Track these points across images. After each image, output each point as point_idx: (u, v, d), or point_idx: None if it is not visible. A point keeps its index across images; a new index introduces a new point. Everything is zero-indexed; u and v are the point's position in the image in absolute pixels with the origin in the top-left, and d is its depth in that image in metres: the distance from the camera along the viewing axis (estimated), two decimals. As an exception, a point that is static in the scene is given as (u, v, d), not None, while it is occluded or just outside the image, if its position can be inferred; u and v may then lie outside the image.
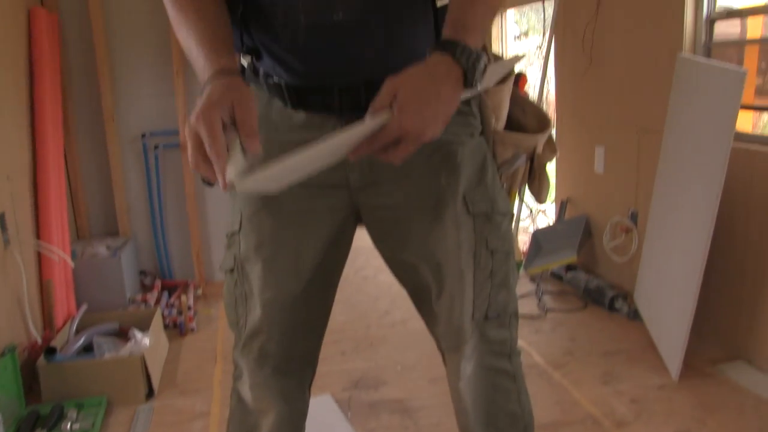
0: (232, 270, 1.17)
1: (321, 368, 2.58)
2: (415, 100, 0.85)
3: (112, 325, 2.53)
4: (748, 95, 2.58)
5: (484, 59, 0.90)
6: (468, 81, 0.89)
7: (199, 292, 3.25)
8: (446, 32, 0.91)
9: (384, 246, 1.18)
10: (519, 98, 1.26)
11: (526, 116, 1.26)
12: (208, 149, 0.83)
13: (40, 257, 2.53)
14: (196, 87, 3.16)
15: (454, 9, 0.94)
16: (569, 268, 3.25)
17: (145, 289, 3.19)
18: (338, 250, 1.19)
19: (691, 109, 2.41)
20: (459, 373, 1.19)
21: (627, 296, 2.90)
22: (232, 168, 0.83)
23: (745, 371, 2.27)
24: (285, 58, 1.03)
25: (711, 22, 2.51)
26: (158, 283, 3.16)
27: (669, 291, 2.42)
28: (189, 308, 2.87)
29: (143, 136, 3.16)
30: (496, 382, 1.19)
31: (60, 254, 2.57)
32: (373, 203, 1.12)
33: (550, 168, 3.44)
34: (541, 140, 1.27)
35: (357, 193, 1.11)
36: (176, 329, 2.84)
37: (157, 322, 2.56)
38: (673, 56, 2.54)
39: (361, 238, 3.32)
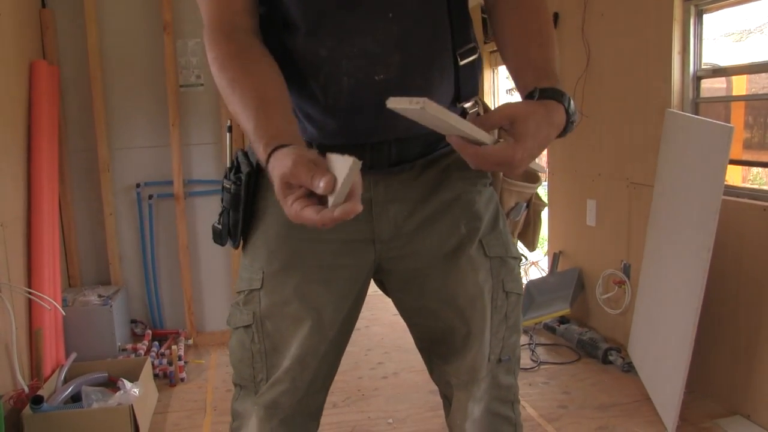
0: (248, 326, 1.14)
1: (312, 421, 2.53)
2: (533, 137, 0.88)
3: (101, 374, 2.49)
4: (736, 150, 2.64)
5: (576, 116, 0.96)
6: (565, 132, 0.95)
7: (190, 342, 3.22)
8: (544, 81, 0.94)
9: (403, 296, 1.19)
10: None
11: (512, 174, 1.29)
12: (317, 183, 0.77)
13: (30, 305, 2.51)
14: (191, 138, 3.20)
15: (534, 56, 0.99)
16: (562, 320, 3.24)
17: (136, 338, 3.15)
18: (357, 304, 1.19)
19: (680, 163, 2.45)
20: (466, 412, 1.18)
21: (621, 349, 2.88)
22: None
23: (743, 427, 2.25)
24: (319, 118, 1.06)
25: (698, 79, 2.58)
26: (149, 333, 3.13)
27: (663, 344, 2.41)
28: (179, 358, 2.84)
29: (137, 185, 3.18)
30: (500, 429, 1.19)
31: (51, 302, 2.55)
32: (395, 255, 1.14)
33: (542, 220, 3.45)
34: (536, 191, 1.31)
35: (381, 247, 1.12)
36: (166, 379, 2.80)
37: (146, 371, 2.53)
38: (662, 112, 2.60)
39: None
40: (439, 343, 1.20)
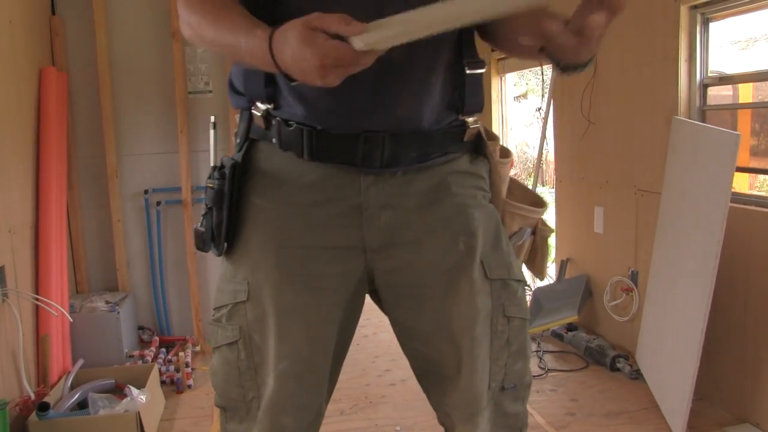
0: (233, 342, 1.08)
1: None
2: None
3: (108, 381, 2.50)
4: (743, 157, 2.63)
5: None
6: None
7: (197, 348, 3.22)
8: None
9: (397, 314, 1.14)
10: (511, 181, 1.26)
11: (512, 196, 1.25)
12: (320, 56, 0.79)
13: (37, 311, 2.52)
14: (199, 144, 3.21)
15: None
16: (570, 327, 3.23)
17: (143, 344, 3.16)
18: (351, 315, 1.14)
19: (687, 170, 2.45)
20: None
21: (629, 356, 2.87)
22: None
23: (751, 434, 2.24)
24: (312, 95, 1.01)
25: (704, 86, 2.58)
26: (156, 339, 3.13)
27: (671, 351, 2.40)
28: (187, 365, 2.84)
29: (146, 192, 3.19)
30: None
31: (58, 309, 2.56)
32: (389, 267, 1.09)
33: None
34: (542, 216, 1.27)
35: (372, 256, 1.08)
36: (173, 386, 2.80)
37: (154, 378, 2.53)
38: (669, 119, 2.60)
39: (362, 294, 3.17)
40: (432, 372, 1.15)
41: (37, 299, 2.48)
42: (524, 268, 1.30)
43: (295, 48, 0.81)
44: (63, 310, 2.60)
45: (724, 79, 2.61)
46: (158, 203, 3.20)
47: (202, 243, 1.10)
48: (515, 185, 1.26)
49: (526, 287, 1.16)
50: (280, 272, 1.05)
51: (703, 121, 2.57)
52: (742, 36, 3.03)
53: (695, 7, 2.50)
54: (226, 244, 1.08)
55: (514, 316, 1.10)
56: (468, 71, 1.07)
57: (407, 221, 1.07)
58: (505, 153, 1.19)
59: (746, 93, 2.93)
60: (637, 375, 2.72)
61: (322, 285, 1.07)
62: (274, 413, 1.08)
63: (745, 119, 2.86)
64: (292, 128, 1.03)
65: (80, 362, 2.59)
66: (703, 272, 2.16)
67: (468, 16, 0.86)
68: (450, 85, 1.06)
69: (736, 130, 2.40)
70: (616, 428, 2.34)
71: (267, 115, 1.05)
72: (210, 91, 3.19)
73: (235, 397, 1.10)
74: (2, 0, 2.42)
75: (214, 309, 1.11)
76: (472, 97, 1.08)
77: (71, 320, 2.68)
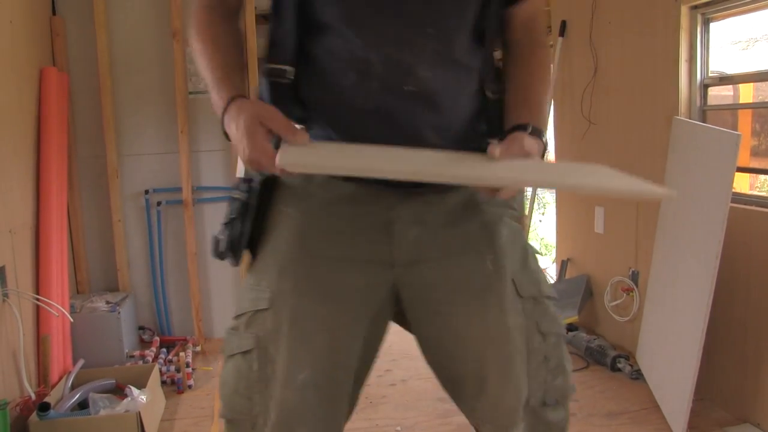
0: (248, 351, 1.05)
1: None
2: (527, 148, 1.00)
3: (108, 381, 2.49)
4: (743, 157, 2.63)
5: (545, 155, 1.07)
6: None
7: (198, 349, 3.22)
8: (530, 117, 1.05)
9: (423, 331, 1.13)
10: None
11: None
12: (250, 151, 0.93)
13: (38, 311, 2.52)
14: (200, 145, 3.21)
15: (534, 97, 1.09)
16: (570, 327, 3.23)
17: (144, 345, 3.15)
18: (373, 335, 1.11)
19: (688, 170, 2.45)
20: None
21: (629, 356, 2.87)
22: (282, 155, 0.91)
23: (752, 435, 2.24)
24: (347, 121, 1.06)
25: (705, 87, 2.58)
26: (157, 340, 3.13)
27: (671, 351, 2.40)
28: (187, 365, 2.84)
29: (146, 192, 3.19)
30: None
31: (59, 309, 2.56)
32: (417, 283, 1.09)
33: (550, 228, 3.46)
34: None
35: (400, 272, 1.08)
36: (174, 386, 2.80)
37: (154, 378, 2.53)
38: (670, 119, 2.60)
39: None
40: (459, 387, 1.15)
41: (37, 299, 2.48)
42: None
43: (237, 131, 0.95)
44: (63, 310, 2.60)
45: (724, 80, 2.61)
46: (159, 203, 3.20)
47: (220, 252, 1.10)
48: None
49: (555, 303, 1.17)
50: (305, 281, 1.05)
51: (703, 122, 2.57)
52: (742, 36, 3.03)
53: (696, 7, 2.51)
54: (243, 256, 1.09)
55: (549, 332, 1.11)
56: (491, 97, 1.12)
57: (436, 238, 1.08)
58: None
59: (747, 93, 2.93)
60: (637, 375, 2.72)
61: (348, 297, 1.06)
62: (291, 425, 1.04)
63: (745, 119, 2.86)
64: (321, 132, 1.07)
65: (81, 362, 2.59)
66: (704, 272, 2.16)
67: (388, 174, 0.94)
68: (473, 109, 1.11)
69: (736, 130, 2.41)
70: (617, 428, 2.34)
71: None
72: (210, 92, 3.19)
73: (241, 409, 1.07)
74: (3, 0, 2.42)
75: (234, 318, 1.09)
76: (494, 121, 1.12)
77: (72, 320, 2.68)
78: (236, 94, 0.98)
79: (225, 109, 0.98)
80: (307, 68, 1.06)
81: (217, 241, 1.09)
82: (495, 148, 0.96)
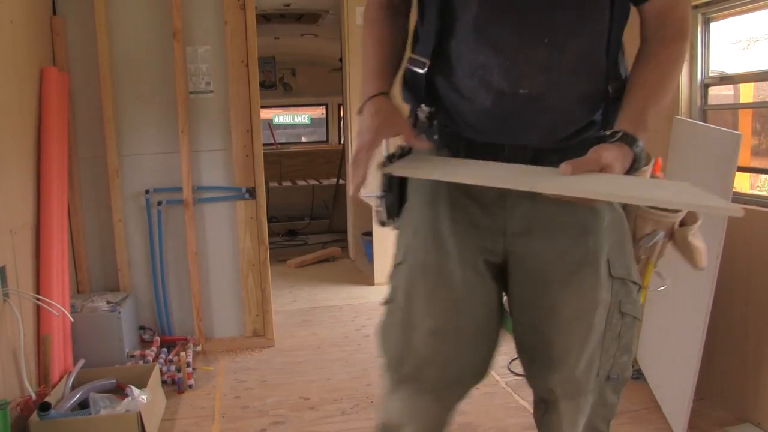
0: (389, 301, 1.27)
1: (320, 427, 2.54)
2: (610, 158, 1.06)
3: (109, 381, 2.49)
4: (744, 157, 2.63)
5: (644, 158, 1.13)
6: (629, 171, 1.11)
7: (199, 348, 3.22)
8: (629, 125, 1.11)
9: (518, 291, 1.26)
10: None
11: None
12: (354, 159, 1.09)
13: (38, 311, 2.52)
14: (200, 144, 3.21)
15: (639, 101, 1.14)
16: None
17: (144, 344, 3.15)
18: (489, 284, 1.25)
19: (688, 169, 2.45)
20: (574, 422, 1.25)
21: (629, 357, 2.87)
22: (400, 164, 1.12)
23: (752, 434, 2.24)
24: (467, 115, 1.20)
25: (705, 86, 2.58)
26: (157, 339, 3.13)
27: (672, 352, 2.40)
28: (188, 365, 2.84)
29: (147, 192, 3.19)
30: None
31: (60, 309, 2.56)
32: (523, 252, 1.22)
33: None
34: (679, 218, 1.34)
35: (510, 240, 1.21)
36: (174, 386, 2.80)
37: (155, 378, 2.53)
38: (670, 119, 2.59)
39: (362, 296, 3.35)
40: (539, 351, 1.25)
41: (38, 299, 2.48)
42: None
43: (365, 124, 1.14)
44: (64, 310, 2.60)
45: (725, 79, 2.61)
46: (159, 203, 3.20)
47: (382, 221, 1.30)
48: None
49: (640, 289, 1.28)
50: (432, 239, 1.22)
51: (704, 121, 2.57)
52: (742, 36, 3.03)
53: (696, 6, 2.51)
54: (394, 221, 1.29)
55: (628, 313, 1.22)
56: (611, 92, 1.19)
57: (544, 214, 1.19)
58: (647, 159, 1.29)
59: (747, 93, 2.92)
60: (638, 375, 2.72)
61: (467, 255, 1.21)
62: (420, 366, 1.24)
63: (746, 119, 2.86)
64: (449, 131, 1.23)
65: (81, 362, 2.59)
66: (704, 272, 2.16)
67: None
68: (589, 106, 1.20)
69: (737, 129, 2.41)
70: (617, 428, 2.34)
71: (430, 117, 1.24)
72: (211, 91, 3.19)
73: (391, 348, 1.27)
74: (3, 0, 2.42)
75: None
76: (612, 114, 1.18)
77: (72, 320, 2.67)
78: (379, 92, 1.17)
79: (366, 102, 1.16)
80: (440, 64, 1.20)
81: (378, 213, 1.29)
82: (567, 165, 1.05)
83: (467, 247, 1.21)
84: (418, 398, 1.26)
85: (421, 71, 1.22)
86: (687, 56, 1.24)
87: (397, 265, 1.27)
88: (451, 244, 1.21)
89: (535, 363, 1.28)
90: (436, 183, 1.22)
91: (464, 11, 1.15)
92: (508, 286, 1.27)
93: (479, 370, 1.29)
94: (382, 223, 1.30)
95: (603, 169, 1.05)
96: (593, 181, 1.03)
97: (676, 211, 1.32)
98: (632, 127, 1.11)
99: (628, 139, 1.09)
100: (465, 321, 1.23)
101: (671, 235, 1.34)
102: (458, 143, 1.22)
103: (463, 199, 1.22)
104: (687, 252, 1.37)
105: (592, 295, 1.18)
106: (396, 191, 1.26)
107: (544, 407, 1.32)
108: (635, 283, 1.24)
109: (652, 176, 1.34)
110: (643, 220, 1.30)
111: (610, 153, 1.06)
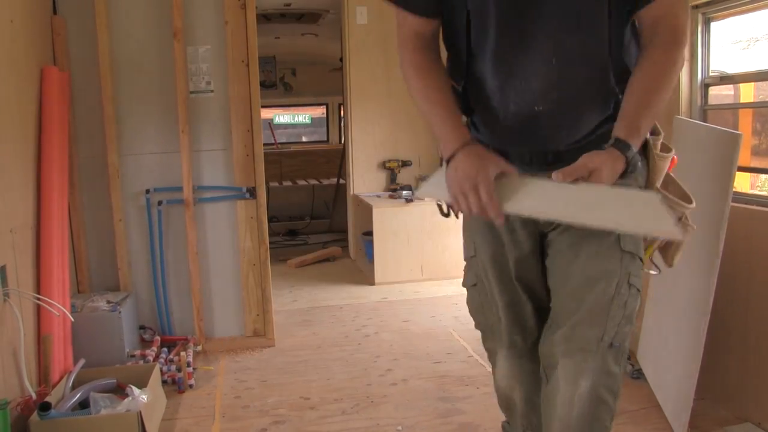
0: (475, 284, 1.56)
1: (321, 427, 2.53)
2: (605, 178, 1.20)
3: (109, 380, 2.50)
4: (744, 156, 2.63)
5: (638, 163, 1.25)
6: (623, 176, 1.23)
7: (199, 348, 3.22)
8: (622, 131, 1.22)
9: (552, 262, 1.44)
10: (667, 175, 1.46)
11: (665, 188, 1.45)
12: (484, 196, 1.23)
13: (39, 311, 2.52)
14: (201, 144, 3.21)
15: (631, 107, 1.24)
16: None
17: (145, 344, 3.15)
18: (530, 265, 1.47)
19: (688, 169, 2.44)
20: (576, 384, 1.34)
21: (630, 356, 2.87)
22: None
23: (753, 434, 2.23)
24: (493, 126, 1.39)
25: (705, 86, 2.58)
26: (158, 339, 3.13)
27: (672, 351, 2.40)
28: (188, 364, 2.84)
29: (147, 191, 3.19)
30: (600, 413, 1.35)
31: (60, 308, 2.56)
32: (553, 238, 1.42)
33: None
34: (689, 210, 1.45)
35: (544, 230, 1.43)
36: (175, 385, 2.80)
37: (155, 378, 2.53)
38: (670, 119, 2.59)
39: (363, 296, 3.36)
40: (557, 307, 1.42)
41: (38, 299, 2.48)
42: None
43: (463, 172, 1.26)
44: (64, 309, 2.60)
45: (725, 79, 2.61)
46: (160, 203, 3.20)
47: (445, 213, 1.44)
48: (669, 179, 1.47)
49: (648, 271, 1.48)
50: (491, 235, 1.48)
51: (704, 121, 2.57)
52: (743, 36, 3.03)
53: (696, 6, 2.51)
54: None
55: (634, 285, 1.35)
56: (619, 91, 1.30)
57: None
58: (666, 148, 1.40)
59: (747, 92, 2.92)
60: (638, 375, 2.72)
61: (521, 247, 1.45)
62: (508, 333, 1.53)
63: (746, 119, 2.85)
64: (481, 141, 1.39)
65: (81, 362, 2.59)
66: (705, 271, 2.16)
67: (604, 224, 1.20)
68: (599, 112, 1.32)
69: (737, 129, 2.40)
70: (618, 428, 2.33)
71: (467, 126, 1.45)
72: (211, 91, 3.19)
73: (482, 322, 1.58)
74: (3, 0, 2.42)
75: (465, 260, 1.60)
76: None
77: (72, 320, 2.67)
78: (465, 141, 1.31)
79: (452, 156, 1.29)
80: (471, 84, 1.38)
81: (440, 206, 1.43)
82: (558, 173, 1.18)
83: (518, 241, 1.44)
84: (515, 362, 1.54)
85: (458, 89, 1.42)
86: (685, 61, 1.32)
87: (470, 258, 1.55)
88: (506, 239, 1.45)
89: (548, 328, 1.45)
90: None
91: (485, 42, 1.30)
92: (545, 258, 1.47)
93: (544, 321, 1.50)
94: (445, 215, 1.45)
95: (591, 173, 1.18)
96: (561, 196, 1.20)
97: (690, 203, 1.42)
98: (625, 133, 1.21)
99: (620, 145, 1.21)
100: (527, 295, 1.49)
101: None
102: (489, 148, 1.36)
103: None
104: (676, 245, 1.49)
105: (606, 263, 1.32)
106: None
107: (546, 379, 1.44)
108: (641, 261, 1.36)
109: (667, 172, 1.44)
110: None
111: (598, 158, 1.19)
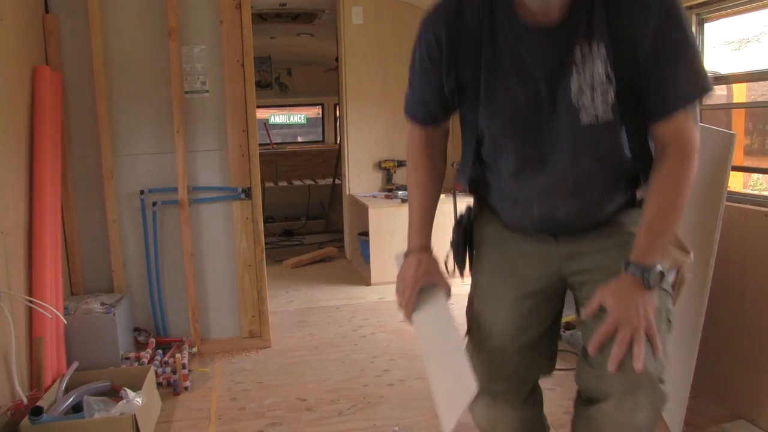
0: (469, 330, 1.54)
1: (318, 428, 2.52)
2: (620, 310, 1.29)
3: (103, 383, 2.48)
4: (737, 156, 2.64)
5: (664, 275, 1.30)
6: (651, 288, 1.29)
7: (194, 350, 3.20)
8: (636, 255, 1.28)
9: (577, 295, 1.47)
10: None
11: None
12: (404, 300, 1.44)
13: (31, 313, 2.50)
14: (196, 144, 3.20)
15: (647, 229, 1.29)
16: (567, 326, 3.23)
17: (139, 346, 3.14)
18: (549, 303, 1.48)
19: (684, 168, 2.45)
20: (633, 416, 1.39)
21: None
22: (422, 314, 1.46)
23: (748, 431, 2.24)
24: (514, 218, 1.45)
25: (700, 86, 2.57)
26: (152, 341, 3.11)
27: (668, 349, 2.39)
28: (183, 367, 2.82)
29: (141, 192, 3.18)
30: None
31: (52, 311, 2.54)
32: (577, 268, 1.42)
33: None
34: (687, 261, 1.48)
35: (564, 261, 1.42)
36: (170, 388, 2.78)
37: (150, 380, 2.52)
38: (665, 118, 2.59)
39: (359, 296, 3.36)
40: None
41: (30, 301, 2.46)
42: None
43: (405, 273, 1.45)
44: (57, 312, 2.59)
45: (718, 79, 2.62)
46: (154, 204, 3.19)
47: (451, 271, 1.53)
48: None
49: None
50: (498, 270, 1.49)
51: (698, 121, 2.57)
52: (734, 37, 3.04)
53: (690, 7, 2.51)
54: (464, 270, 1.58)
55: (672, 321, 1.43)
56: (639, 196, 1.38)
57: (589, 238, 1.40)
58: (684, 248, 1.47)
59: (740, 93, 2.94)
60: (634, 374, 2.72)
61: (526, 281, 1.45)
62: (490, 378, 1.47)
63: (739, 119, 2.87)
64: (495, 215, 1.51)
65: (75, 365, 2.58)
66: (700, 270, 2.16)
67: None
68: (622, 197, 1.40)
69: (730, 129, 2.41)
70: (614, 427, 2.34)
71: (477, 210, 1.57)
72: (206, 91, 3.18)
73: (474, 363, 1.48)
74: (-6, -1, 2.40)
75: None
76: (641, 191, 1.37)
77: (66, 322, 2.66)
78: (421, 247, 1.46)
79: (410, 254, 1.47)
80: (486, 176, 1.46)
81: (446, 265, 1.52)
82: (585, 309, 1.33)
83: (527, 276, 1.44)
84: (494, 406, 1.51)
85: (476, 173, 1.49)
86: (694, 173, 1.32)
87: (471, 298, 1.53)
88: (514, 272, 1.46)
89: (587, 360, 1.42)
90: (497, 230, 1.49)
91: (502, 161, 1.38)
92: (576, 297, 1.47)
93: (541, 371, 1.57)
94: (450, 271, 1.54)
95: (602, 303, 1.29)
96: (436, 334, 1.43)
97: (688, 254, 1.48)
98: (640, 257, 1.27)
99: (632, 269, 1.28)
100: (522, 339, 1.45)
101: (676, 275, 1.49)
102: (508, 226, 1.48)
103: (520, 240, 1.47)
104: (677, 292, 1.51)
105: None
106: (462, 251, 1.56)
107: (586, 403, 1.49)
108: (668, 293, 1.40)
109: None
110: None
111: (605, 292, 1.30)
